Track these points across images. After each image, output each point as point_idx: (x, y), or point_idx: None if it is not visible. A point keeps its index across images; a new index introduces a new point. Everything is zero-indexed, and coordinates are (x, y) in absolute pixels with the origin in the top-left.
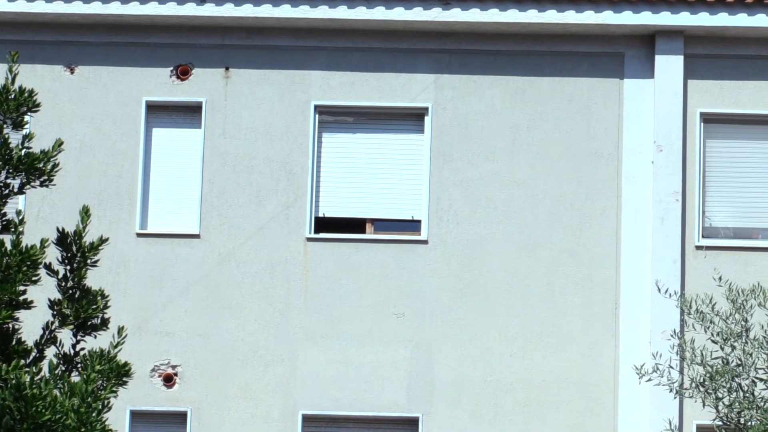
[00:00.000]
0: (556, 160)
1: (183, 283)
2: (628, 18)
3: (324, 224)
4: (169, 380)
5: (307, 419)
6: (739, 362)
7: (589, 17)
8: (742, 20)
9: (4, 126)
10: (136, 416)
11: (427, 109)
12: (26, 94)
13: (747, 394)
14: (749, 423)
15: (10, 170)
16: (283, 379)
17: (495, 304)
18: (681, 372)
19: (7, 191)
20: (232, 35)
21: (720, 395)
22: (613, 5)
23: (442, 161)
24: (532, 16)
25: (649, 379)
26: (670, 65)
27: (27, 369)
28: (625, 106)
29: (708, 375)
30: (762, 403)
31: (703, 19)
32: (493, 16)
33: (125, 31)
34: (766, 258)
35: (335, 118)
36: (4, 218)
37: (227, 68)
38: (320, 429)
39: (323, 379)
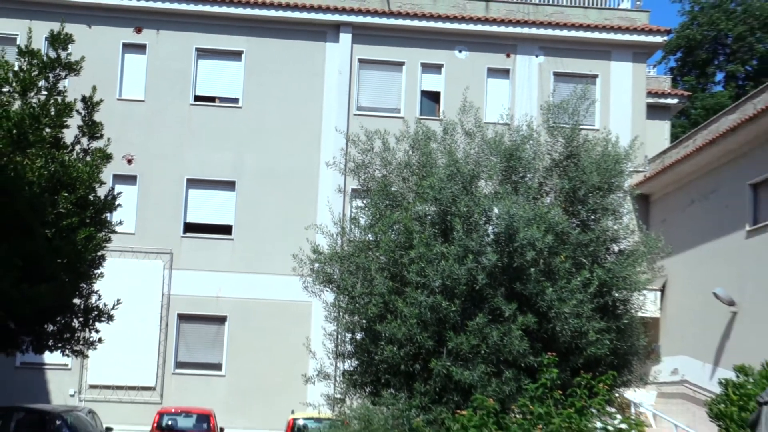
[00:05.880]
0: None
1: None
2: None
3: None
4: (130, 162)
5: (190, 181)
6: (372, 158)
7: None
8: None
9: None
10: (116, 177)
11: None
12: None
13: (371, 172)
14: (372, 188)
15: (61, 70)
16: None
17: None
18: (345, 164)
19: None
20: None
21: (364, 173)
22: None
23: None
24: None
25: (329, 167)
26: None
27: (67, 153)
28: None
29: (357, 165)
30: (382, 174)
31: None
32: None
33: None
34: None
35: None
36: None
37: None
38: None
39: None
